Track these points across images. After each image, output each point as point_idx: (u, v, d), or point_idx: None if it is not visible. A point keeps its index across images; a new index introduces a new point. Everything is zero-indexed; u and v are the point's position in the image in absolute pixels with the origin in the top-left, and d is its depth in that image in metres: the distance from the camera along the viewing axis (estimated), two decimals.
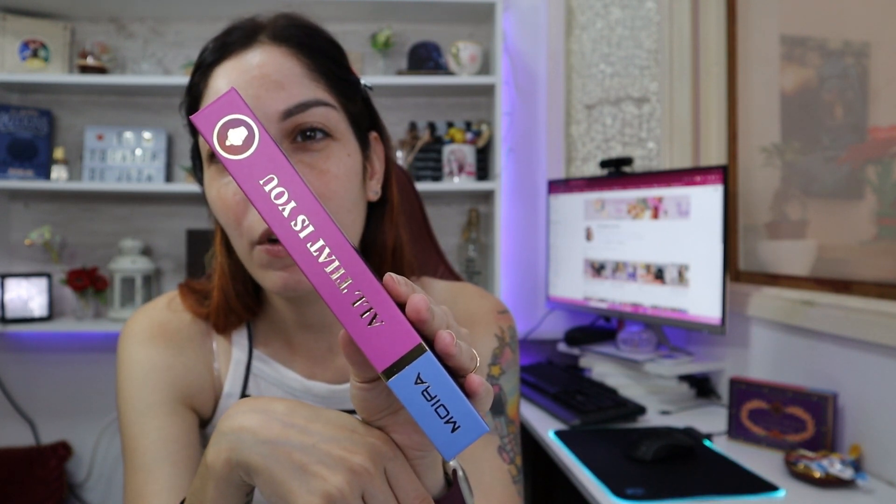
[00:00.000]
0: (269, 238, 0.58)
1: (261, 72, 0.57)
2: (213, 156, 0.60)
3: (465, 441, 0.31)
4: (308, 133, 0.58)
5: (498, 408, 0.68)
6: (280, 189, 0.32)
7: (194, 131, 0.64)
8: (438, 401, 0.30)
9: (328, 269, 0.31)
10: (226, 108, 0.33)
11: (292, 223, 0.31)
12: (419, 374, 0.30)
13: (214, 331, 0.70)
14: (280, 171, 0.32)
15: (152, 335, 0.67)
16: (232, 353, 0.69)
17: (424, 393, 0.30)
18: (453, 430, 0.30)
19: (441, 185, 1.95)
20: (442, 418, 0.30)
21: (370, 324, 0.31)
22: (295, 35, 0.61)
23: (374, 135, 0.69)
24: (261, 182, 0.32)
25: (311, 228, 0.31)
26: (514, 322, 0.75)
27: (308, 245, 0.31)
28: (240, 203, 0.58)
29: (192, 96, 0.62)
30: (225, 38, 0.60)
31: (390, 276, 0.35)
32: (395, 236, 0.70)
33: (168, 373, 0.66)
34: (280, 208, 0.32)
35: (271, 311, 0.70)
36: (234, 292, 0.68)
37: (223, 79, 0.58)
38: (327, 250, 0.31)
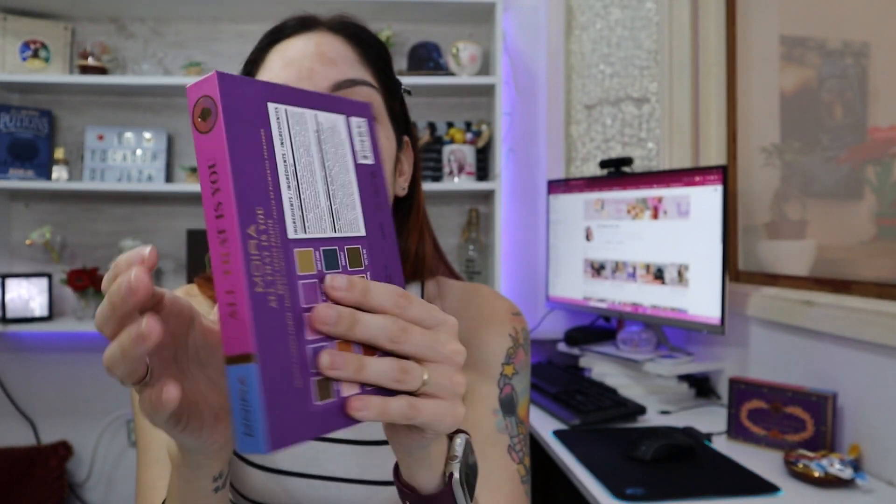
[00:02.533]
0: None
1: (318, 49, 0.62)
2: None
3: (250, 450, 0.33)
4: None
5: (509, 408, 0.68)
6: (215, 175, 0.35)
7: None
8: (248, 406, 0.33)
9: (223, 261, 0.34)
10: (204, 87, 0.35)
11: (213, 208, 0.35)
12: (243, 377, 0.33)
13: None
14: (219, 159, 0.35)
15: None
16: None
17: (241, 394, 0.33)
18: (246, 434, 0.33)
19: (441, 185, 1.95)
20: (245, 420, 0.33)
21: (231, 316, 0.34)
22: (349, 27, 0.65)
23: (405, 139, 0.71)
24: (207, 164, 0.35)
25: (222, 217, 0.35)
26: (528, 325, 0.76)
27: (217, 231, 0.35)
28: None
29: (247, 72, 0.66)
30: (283, 24, 0.65)
31: (332, 278, 0.37)
32: (419, 242, 0.72)
33: None
34: (211, 191, 0.35)
35: None
36: None
37: (279, 55, 0.62)
38: (227, 242, 0.34)
